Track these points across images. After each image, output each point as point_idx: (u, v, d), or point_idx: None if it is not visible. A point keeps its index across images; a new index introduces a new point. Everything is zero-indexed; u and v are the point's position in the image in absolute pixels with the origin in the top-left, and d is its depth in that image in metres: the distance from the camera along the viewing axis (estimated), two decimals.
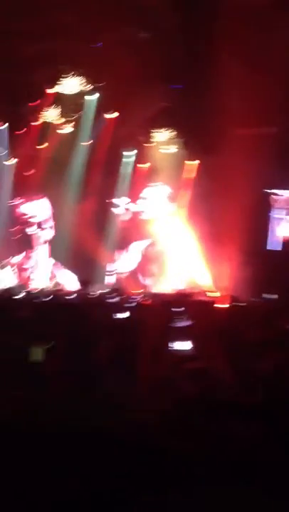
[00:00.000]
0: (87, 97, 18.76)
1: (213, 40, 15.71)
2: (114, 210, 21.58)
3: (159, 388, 3.05)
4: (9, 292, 15.49)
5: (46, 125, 20.00)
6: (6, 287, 18.91)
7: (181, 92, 17.65)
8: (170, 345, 4.24)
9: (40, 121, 19.76)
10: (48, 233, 22.32)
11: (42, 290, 18.36)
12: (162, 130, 20.06)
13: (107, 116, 19.09)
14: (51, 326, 5.18)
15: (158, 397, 2.84)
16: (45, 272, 22.29)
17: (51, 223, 22.27)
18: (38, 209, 22.58)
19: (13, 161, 21.85)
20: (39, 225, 22.51)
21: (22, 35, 15.76)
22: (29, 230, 22.62)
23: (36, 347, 3.38)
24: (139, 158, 20.92)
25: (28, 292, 17.29)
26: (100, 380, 3.12)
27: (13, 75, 17.38)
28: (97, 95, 18.56)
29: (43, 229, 22.38)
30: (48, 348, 3.37)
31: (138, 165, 20.98)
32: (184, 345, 4.24)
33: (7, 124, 20.28)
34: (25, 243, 22.44)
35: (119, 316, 6.81)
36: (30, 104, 19.17)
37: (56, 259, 21.89)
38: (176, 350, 4.20)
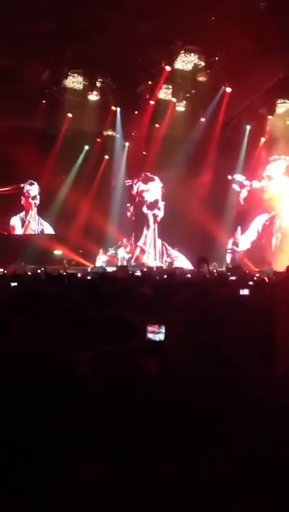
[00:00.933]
0: (203, 72, 18.31)
1: None
2: (234, 186, 21.15)
3: None
4: (126, 270, 15.74)
5: (162, 103, 19.96)
6: (123, 265, 19.33)
7: None
8: None
9: (156, 99, 19.75)
10: (160, 213, 22.51)
11: (158, 268, 18.52)
12: (283, 101, 19.24)
13: (226, 89, 18.57)
14: (170, 304, 5.04)
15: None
16: (159, 251, 22.55)
17: (162, 203, 22.44)
18: (151, 189, 22.83)
19: (128, 143, 22.28)
20: (152, 205, 22.77)
21: (136, 14, 15.73)
22: (143, 210, 22.99)
23: (153, 325, 3.17)
24: (260, 132, 20.37)
25: (145, 270, 17.48)
26: (223, 360, 2.91)
27: (129, 55, 17.46)
28: (213, 69, 18.06)
29: (156, 208, 22.60)
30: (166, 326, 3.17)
31: (260, 138, 20.41)
32: None
33: (119, 109, 20.57)
34: (140, 223, 22.81)
35: (241, 294, 6.54)
36: (145, 83, 19.20)
37: (171, 237, 22.03)
38: None
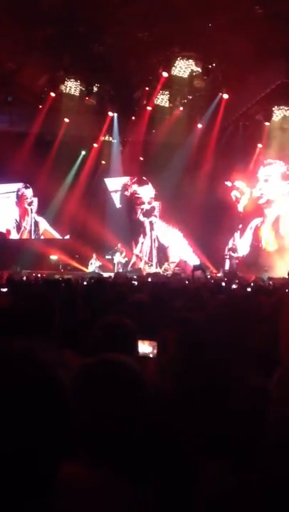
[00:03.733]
0: (200, 79, 18.31)
1: None
2: (233, 192, 21.13)
3: None
4: (124, 276, 15.68)
5: (159, 109, 19.97)
6: (119, 271, 19.26)
7: None
8: None
9: (153, 105, 19.75)
10: (153, 218, 22.50)
11: (154, 274, 18.46)
12: (280, 107, 19.27)
13: (223, 96, 18.54)
14: (165, 311, 4.99)
15: None
16: (156, 257, 22.51)
17: (154, 208, 22.45)
18: (145, 193, 22.82)
19: (124, 148, 22.28)
20: (148, 212, 22.77)
21: (134, 20, 15.75)
22: (139, 218, 22.97)
23: (145, 341, 3.07)
24: (257, 138, 20.34)
25: (141, 276, 17.44)
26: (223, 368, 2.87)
27: (126, 61, 17.48)
28: (210, 76, 18.06)
29: (152, 216, 22.61)
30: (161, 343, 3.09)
31: (256, 144, 20.42)
32: None
33: (116, 114, 20.55)
34: (135, 228, 22.78)
35: (237, 301, 6.49)
36: (142, 89, 19.22)
37: (169, 243, 22.02)
38: None
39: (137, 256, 22.42)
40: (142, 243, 22.56)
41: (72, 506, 1.22)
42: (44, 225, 22.82)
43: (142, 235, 22.58)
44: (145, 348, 3.07)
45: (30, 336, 2.99)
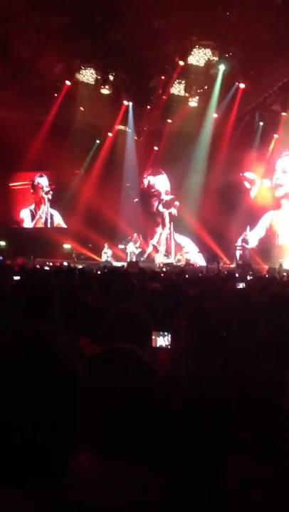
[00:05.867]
0: (217, 68, 18.11)
1: None
2: (245, 183, 21.02)
3: None
4: (137, 265, 15.67)
5: (175, 98, 19.84)
6: (134, 261, 19.28)
7: None
8: None
9: (169, 94, 19.61)
10: (173, 209, 22.47)
11: (168, 264, 18.46)
12: None
13: (239, 85, 18.35)
14: (181, 301, 4.98)
15: None
16: (169, 247, 22.51)
17: (175, 199, 22.39)
18: (162, 184, 22.79)
19: (139, 137, 22.21)
20: (168, 204, 22.73)
21: (151, 8, 15.61)
22: (154, 206, 22.95)
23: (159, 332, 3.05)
24: (273, 128, 20.18)
25: (156, 266, 17.45)
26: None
27: (142, 50, 17.35)
28: (227, 65, 17.85)
29: (172, 207, 22.57)
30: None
31: (273, 135, 20.26)
32: None
33: (131, 103, 20.44)
34: (153, 219, 22.78)
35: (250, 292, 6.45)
36: (158, 77, 19.08)
37: (182, 234, 21.99)
38: None
39: (154, 246, 22.45)
40: (160, 234, 22.59)
41: (81, 495, 1.23)
42: (58, 219, 22.91)
43: (160, 226, 22.62)
44: (159, 339, 3.07)
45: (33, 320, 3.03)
